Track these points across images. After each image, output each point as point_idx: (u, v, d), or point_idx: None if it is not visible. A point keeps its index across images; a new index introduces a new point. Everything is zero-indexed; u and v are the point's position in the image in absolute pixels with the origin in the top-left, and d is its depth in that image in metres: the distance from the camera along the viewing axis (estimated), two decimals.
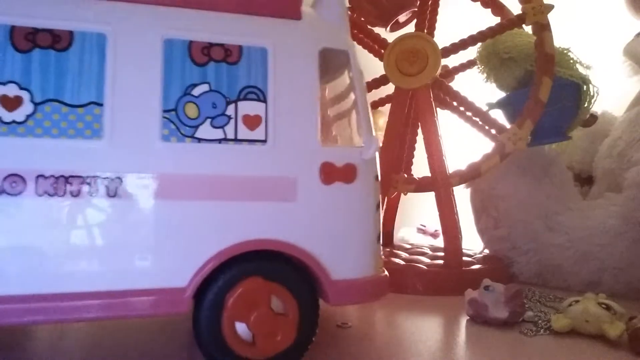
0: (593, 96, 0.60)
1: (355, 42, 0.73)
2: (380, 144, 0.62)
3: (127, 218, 0.24)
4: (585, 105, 0.61)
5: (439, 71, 0.58)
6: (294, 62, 0.28)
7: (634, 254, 0.55)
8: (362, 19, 0.70)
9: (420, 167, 0.70)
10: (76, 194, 0.24)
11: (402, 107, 0.61)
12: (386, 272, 0.32)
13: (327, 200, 0.28)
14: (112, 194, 0.25)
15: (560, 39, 0.56)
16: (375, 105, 0.73)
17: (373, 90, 0.65)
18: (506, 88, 0.64)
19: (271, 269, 0.26)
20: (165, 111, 0.26)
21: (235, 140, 0.26)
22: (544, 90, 0.54)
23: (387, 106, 0.64)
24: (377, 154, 0.30)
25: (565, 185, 0.64)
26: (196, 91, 0.26)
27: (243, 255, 0.26)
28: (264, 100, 0.27)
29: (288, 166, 0.27)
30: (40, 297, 0.23)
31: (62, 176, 0.24)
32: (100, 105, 0.25)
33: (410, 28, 0.63)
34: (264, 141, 0.27)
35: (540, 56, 0.55)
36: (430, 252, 0.69)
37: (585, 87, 0.59)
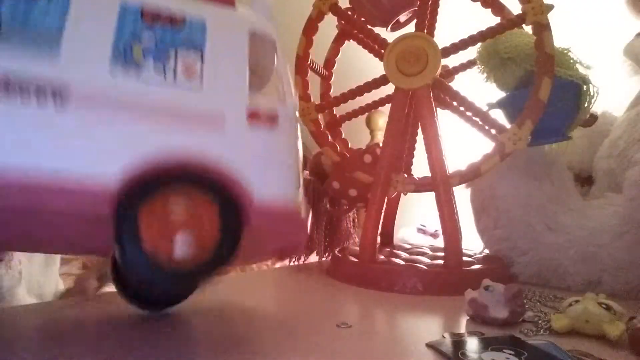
0: (593, 96, 0.60)
1: (355, 42, 0.73)
2: (381, 144, 0.62)
3: (75, 123, 0.28)
4: (585, 105, 0.60)
5: (439, 71, 0.58)
6: (227, 33, 0.33)
7: (634, 254, 0.55)
8: (362, 19, 0.70)
9: (420, 167, 0.70)
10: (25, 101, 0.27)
11: (402, 107, 0.61)
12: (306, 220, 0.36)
13: (252, 139, 0.32)
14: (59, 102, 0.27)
15: (560, 39, 0.56)
16: (375, 105, 0.73)
17: (373, 90, 0.65)
18: (506, 88, 0.64)
19: (203, 184, 0.30)
20: (115, 44, 0.29)
21: (174, 80, 0.31)
22: (544, 90, 0.54)
23: (387, 106, 0.64)
24: (295, 111, 0.35)
25: (565, 185, 0.64)
26: (144, 38, 0.30)
27: (174, 169, 0.29)
28: (202, 59, 0.31)
29: (218, 105, 0.31)
30: None
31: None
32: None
33: (410, 28, 0.63)
34: (199, 87, 0.31)
35: (540, 56, 0.55)
36: (430, 252, 0.69)
37: (585, 87, 0.59)
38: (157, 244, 0.28)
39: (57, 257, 0.68)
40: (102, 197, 0.27)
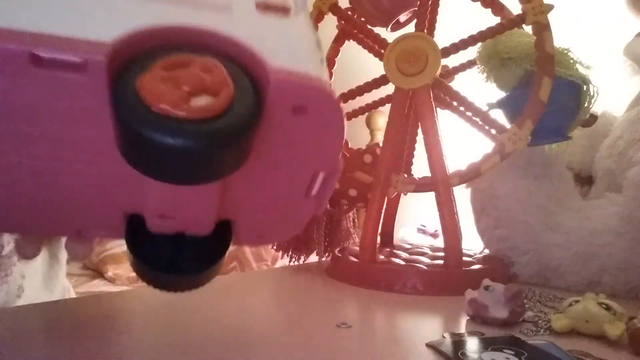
0: (593, 96, 0.60)
1: (355, 42, 0.73)
2: (381, 144, 0.62)
3: None
4: (585, 105, 0.60)
5: (439, 71, 0.58)
6: None
7: (634, 254, 0.55)
8: (362, 19, 0.70)
9: (420, 167, 0.70)
10: None
11: (402, 107, 0.61)
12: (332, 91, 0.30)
13: (261, 22, 0.28)
14: None
15: (560, 39, 0.56)
16: (376, 105, 0.73)
17: (373, 90, 0.65)
18: (506, 88, 0.64)
19: (205, 51, 0.25)
20: None
21: None
22: (544, 90, 0.54)
23: (387, 106, 0.64)
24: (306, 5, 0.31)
25: (565, 185, 0.64)
26: None
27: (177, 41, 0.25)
28: None
29: None
30: None
31: None
32: None
33: (410, 28, 0.63)
34: None
35: (540, 56, 0.55)
36: (430, 252, 0.69)
37: (585, 87, 0.59)
38: (159, 92, 0.23)
39: (62, 269, 0.65)
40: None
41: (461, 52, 0.60)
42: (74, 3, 0.24)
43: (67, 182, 0.29)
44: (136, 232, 0.32)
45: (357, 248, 0.65)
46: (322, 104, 0.27)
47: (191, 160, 0.23)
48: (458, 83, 0.73)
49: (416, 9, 0.63)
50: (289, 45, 0.28)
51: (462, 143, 0.84)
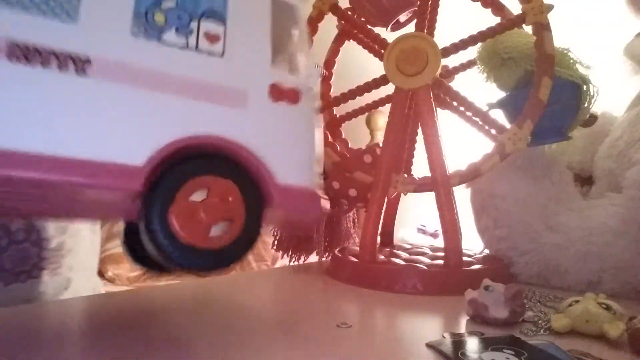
0: (593, 96, 0.60)
1: (355, 42, 0.73)
2: (381, 144, 0.62)
3: (94, 96, 0.27)
4: (585, 105, 0.60)
5: (439, 71, 0.58)
6: (250, 1, 0.32)
7: (634, 254, 0.55)
8: (362, 19, 0.70)
9: (420, 167, 0.70)
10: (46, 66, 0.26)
11: (402, 107, 0.60)
12: (324, 197, 0.35)
13: (273, 114, 0.31)
14: (80, 72, 0.26)
15: (560, 39, 0.56)
16: (376, 105, 0.73)
17: (373, 90, 0.65)
18: (506, 88, 0.64)
19: (224, 167, 0.29)
20: (135, 12, 0.28)
21: (197, 49, 0.30)
22: (544, 90, 0.54)
23: (387, 106, 0.64)
24: (315, 84, 0.35)
25: (565, 185, 0.64)
26: (164, 5, 0.29)
27: (197, 149, 0.29)
28: (224, 23, 0.30)
29: (240, 78, 0.30)
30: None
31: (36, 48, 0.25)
32: None
33: (410, 28, 0.63)
34: (221, 55, 0.30)
35: (540, 56, 0.55)
36: (430, 252, 0.69)
37: (585, 87, 0.59)
38: (186, 225, 0.28)
39: (95, 263, 0.68)
40: (133, 176, 0.27)
41: (461, 52, 0.60)
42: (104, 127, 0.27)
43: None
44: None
45: (357, 248, 0.65)
46: (313, 210, 0.33)
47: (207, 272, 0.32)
48: (458, 83, 0.73)
49: (416, 9, 0.63)
50: (295, 151, 0.32)
51: (462, 143, 0.84)
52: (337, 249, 0.69)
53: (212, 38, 0.30)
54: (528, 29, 0.57)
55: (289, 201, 0.31)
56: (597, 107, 0.64)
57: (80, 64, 0.26)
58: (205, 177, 0.29)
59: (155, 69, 0.28)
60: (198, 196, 0.28)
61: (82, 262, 0.62)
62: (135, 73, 0.28)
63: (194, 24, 0.30)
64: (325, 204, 0.35)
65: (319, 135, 0.34)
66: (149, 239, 0.28)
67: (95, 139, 0.26)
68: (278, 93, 0.31)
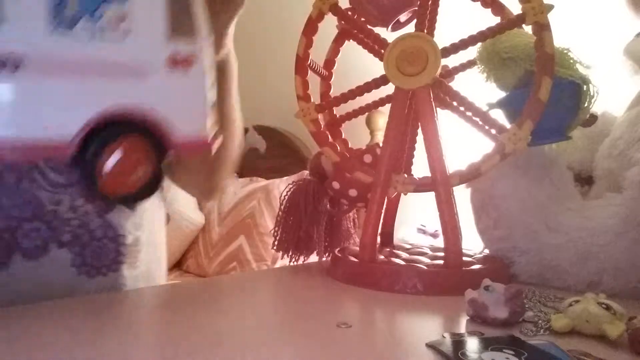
0: (593, 96, 0.60)
1: (355, 42, 0.73)
2: (381, 144, 0.62)
3: (22, 85, 0.34)
4: (585, 105, 0.60)
5: (439, 71, 0.58)
6: None
7: (634, 254, 0.55)
8: (362, 19, 0.70)
9: (420, 167, 0.70)
10: None
11: (402, 107, 0.60)
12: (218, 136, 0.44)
13: (170, 81, 0.38)
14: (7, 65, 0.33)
15: (560, 39, 0.56)
16: (375, 105, 0.73)
17: (373, 90, 0.65)
18: (506, 88, 0.64)
19: (134, 130, 0.38)
20: (49, 9, 0.34)
21: (104, 33, 0.35)
22: (544, 90, 0.54)
23: (387, 106, 0.64)
24: (208, 48, 0.41)
25: (565, 185, 0.64)
26: None
27: (113, 119, 0.37)
28: (125, 7, 0.36)
29: (142, 54, 0.37)
30: None
31: None
32: None
33: (410, 28, 0.63)
34: (124, 37, 0.36)
35: (540, 56, 0.55)
36: (430, 252, 0.69)
37: (585, 87, 0.59)
38: (112, 182, 0.37)
39: (166, 256, 0.75)
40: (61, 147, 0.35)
41: (461, 52, 0.60)
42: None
43: None
44: None
45: (357, 248, 0.65)
46: (204, 149, 0.41)
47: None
48: (458, 83, 0.73)
49: (416, 9, 0.63)
50: (188, 111, 0.40)
51: (462, 143, 0.84)
52: (337, 249, 0.69)
53: (117, 21, 0.36)
54: (528, 29, 0.57)
55: (183, 147, 0.39)
56: (597, 107, 0.64)
57: (12, 61, 0.33)
58: (121, 138, 0.36)
59: (71, 58, 0.35)
60: (118, 154, 0.36)
61: (156, 255, 0.68)
62: (55, 64, 0.34)
63: (100, 11, 0.35)
64: (218, 142, 0.43)
65: (211, 91, 0.41)
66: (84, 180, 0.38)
67: (32, 122, 0.34)
68: (173, 62, 0.38)
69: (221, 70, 0.68)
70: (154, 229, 0.68)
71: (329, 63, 0.77)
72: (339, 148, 0.66)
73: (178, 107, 0.39)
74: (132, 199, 0.41)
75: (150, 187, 0.40)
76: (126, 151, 0.37)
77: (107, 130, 0.36)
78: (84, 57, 0.35)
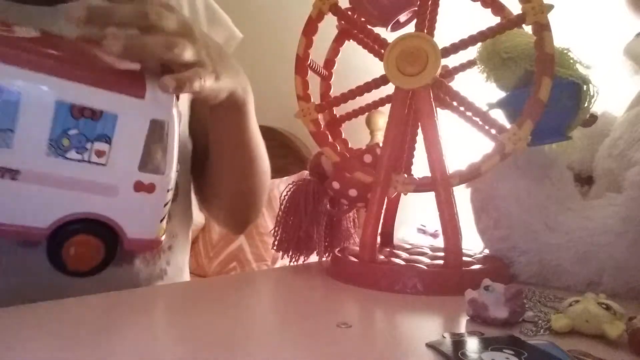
0: (593, 96, 0.60)
1: (355, 42, 0.73)
2: (381, 144, 0.62)
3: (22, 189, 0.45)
4: (585, 105, 0.60)
5: (439, 71, 0.58)
6: (132, 123, 0.47)
7: (634, 254, 0.55)
8: (362, 19, 0.70)
9: (420, 167, 0.70)
10: None
11: (402, 107, 0.60)
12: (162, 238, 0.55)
13: (134, 199, 0.49)
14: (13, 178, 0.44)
15: (560, 39, 0.56)
16: (375, 105, 0.73)
17: (373, 90, 0.65)
18: (506, 88, 0.64)
19: (97, 228, 0.48)
20: (50, 140, 0.44)
21: (89, 162, 0.46)
22: (544, 90, 0.54)
23: (387, 106, 0.64)
24: (173, 180, 0.52)
25: (565, 185, 0.64)
26: (70, 132, 0.45)
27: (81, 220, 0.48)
28: (109, 143, 0.46)
29: (115, 179, 0.47)
30: None
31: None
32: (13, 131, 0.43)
33: (410, 28, 0.63)
34: (104, 165, 0.47)
35: (540, 56, 0.55)
36: (430, 252, 0.69)
37: (585, 87, 0.59)
38: (71, 261, 0.48)
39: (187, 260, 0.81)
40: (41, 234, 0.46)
41: (461, 52, 0.60)
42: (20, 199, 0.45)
43: None
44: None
45: (357, 248, 0.65)
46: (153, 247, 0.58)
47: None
48: (458, 83, 0.73)
49: (416, 9, 0.63)
50: (144, 219, 0.50)
51: (462, 143, 0.84)
52: (337, 249, 0.69)
53: (100, 153, 0.46)
54: (528, 29, 0.57)
55: (133, 245, 0.50)
56: (597, 107, 0.64)
57: (13, 174, 0.43)
58: (84, 234, 0.48)
59: (61, 175, 0.45)
60: (80, 241, 0.48)
61: (176, 258, 0.75)
62: (47, 178, 0.45)
63: (89, 145, 0.45)
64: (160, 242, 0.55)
65: (166, 208, 0.52)
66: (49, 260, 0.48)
67: (23, 213, 0.45)
68: (139, 187, 0.48)
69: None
70: (178, 237, 0.74)
71: (329, 63, 0.77)
72: (339, 148, 0.66)
73: (135, 217, 0.49)
74: (86, 274, 0.49)
75: (100, 268, 0.50)
76: (85, 244, 0.48)
77: (77, 224, 0.47)
78: (69, 175, 0.45)
